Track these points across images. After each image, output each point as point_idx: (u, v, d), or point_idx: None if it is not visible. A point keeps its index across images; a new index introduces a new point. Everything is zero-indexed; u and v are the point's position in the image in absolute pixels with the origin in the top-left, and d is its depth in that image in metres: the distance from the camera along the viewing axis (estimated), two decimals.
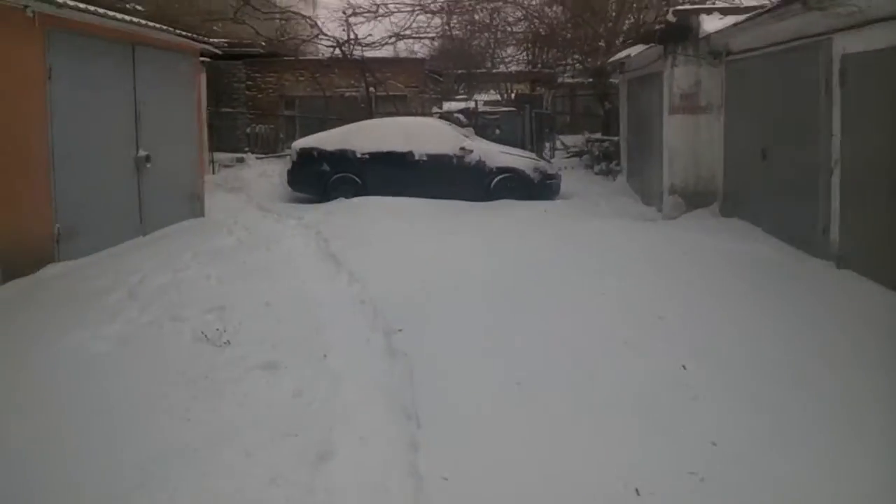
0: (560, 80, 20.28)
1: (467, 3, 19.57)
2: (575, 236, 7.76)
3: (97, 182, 7.26)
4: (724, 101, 8.73)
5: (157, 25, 8.14)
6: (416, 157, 11.43)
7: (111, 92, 7.62)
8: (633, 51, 10.71)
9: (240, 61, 16.90)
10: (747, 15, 7.51)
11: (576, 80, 19.70)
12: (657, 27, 9.93)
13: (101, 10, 6.82)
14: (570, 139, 17.13)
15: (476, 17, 20.77)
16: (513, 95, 24.69)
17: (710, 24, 8.43)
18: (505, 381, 3.87)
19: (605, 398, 3.67)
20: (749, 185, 8.03)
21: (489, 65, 23.48)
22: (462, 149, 11.42)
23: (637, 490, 2.82)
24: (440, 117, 15.16)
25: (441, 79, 21.79)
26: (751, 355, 4.19)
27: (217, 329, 4.67)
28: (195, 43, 9.44)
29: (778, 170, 7.27)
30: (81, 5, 6.62)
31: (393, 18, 18.48)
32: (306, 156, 11.69)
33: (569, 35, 18.78)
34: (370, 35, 17.77)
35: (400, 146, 11.49)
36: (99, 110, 7.35)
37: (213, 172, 13.78)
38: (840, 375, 3.85)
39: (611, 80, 15.49)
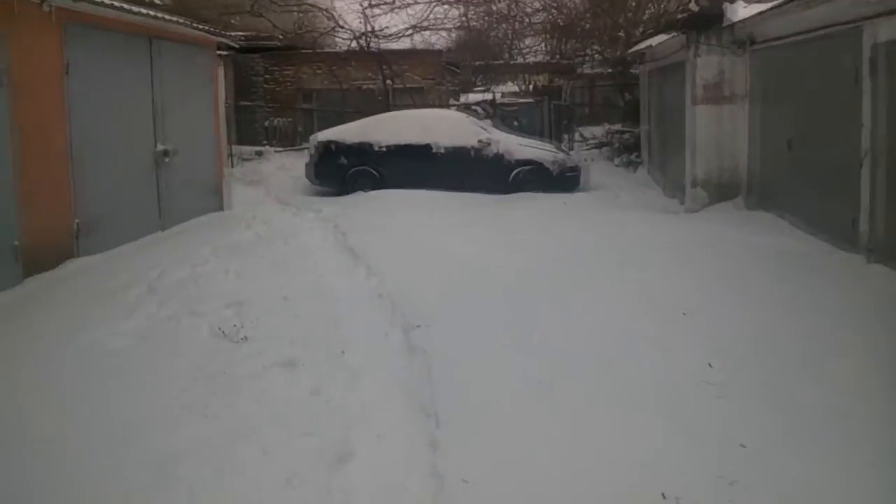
0: (579, 70, 20.06)
1: None
2: (596, 228, 7.67)
3: (116, 177, 7.27)
4: (749, 92, 8.54)
5: (175, 19, 8.11)
6: (435, 150, 11.35)
7: (129, 86, 7.61)
8: (655, 40, 10.54)
9: (258, 54, 16.90)
10: (775, 2, 7.31)
11: (595, 70, 19.49)
12: (680, 16, 9.75)
13: (117, 4, 6.79)
14: (589, 131, 16.96)
15: (494, 7, 20.59)
16: (531, 87, 24.50)
17: (737, 12, 8.22)
18: (525, 378, 3.80)
19: (627, 396, 3.59)
20: (775, 177, 7.86)
21: (507, 56, 23.29)
22: (481, 141, 11.33)
23: (663, 494, 2.73)
24: (458, 109, 15.06)
25: (459, 71, 21.65)
26: (777, 353, 4.07)
27: (234, 325, 4.65)
28: (213, 36, 9.42)
29: (805, 161, 7.10)
30: None
31: (410, 10, 18.46)
32: (325, 149, 11.65)
33: (588, 25, 18.57)
34: (387, 27, 17.75)
35: (419, 139, 11.42)
36: (117, 105, 7.34)
37: (233, 166, 13.80)
38: (869, 374, 3.73)
39: (631, 70, 15.30)
